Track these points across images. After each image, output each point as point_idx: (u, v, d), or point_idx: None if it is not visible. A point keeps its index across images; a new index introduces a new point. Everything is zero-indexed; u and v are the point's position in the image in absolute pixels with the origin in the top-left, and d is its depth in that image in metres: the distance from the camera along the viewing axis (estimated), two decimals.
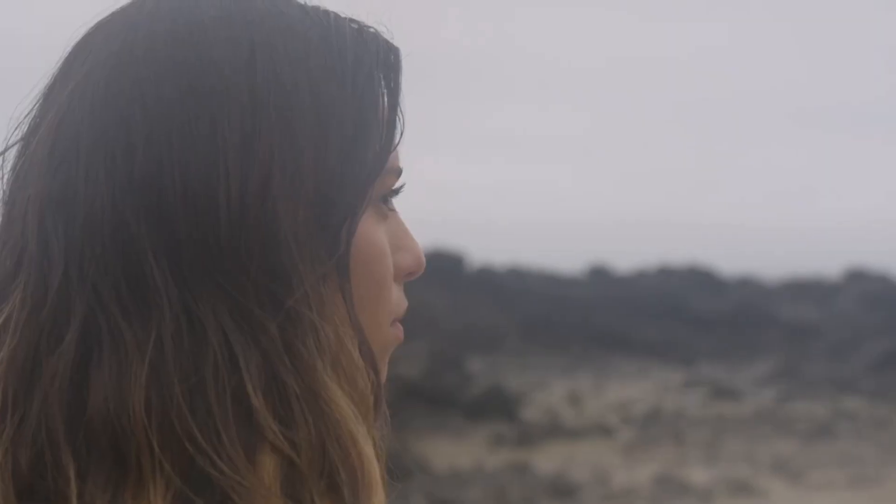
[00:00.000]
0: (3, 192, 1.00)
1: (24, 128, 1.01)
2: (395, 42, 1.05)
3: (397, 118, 1.02)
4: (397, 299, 1.06)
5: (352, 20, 1.03)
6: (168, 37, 0.97)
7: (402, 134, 1.03)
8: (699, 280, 34.16)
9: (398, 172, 1.04)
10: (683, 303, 29.96)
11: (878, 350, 23.13)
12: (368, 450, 0.95)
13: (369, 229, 1.01)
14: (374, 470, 0.95)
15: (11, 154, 1.01)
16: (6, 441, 0.92)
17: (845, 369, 22.68)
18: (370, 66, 1.01)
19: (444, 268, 26.61)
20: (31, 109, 1.01)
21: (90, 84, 0.97)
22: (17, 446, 0.92)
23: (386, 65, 1.03)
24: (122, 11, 1.01)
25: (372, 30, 1.04)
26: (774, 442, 16.51)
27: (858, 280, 34.08)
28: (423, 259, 1.07)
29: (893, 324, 25.58)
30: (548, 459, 14.98)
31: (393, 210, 1.05)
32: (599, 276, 34.81)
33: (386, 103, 1.02)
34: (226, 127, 0.95)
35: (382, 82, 1.02)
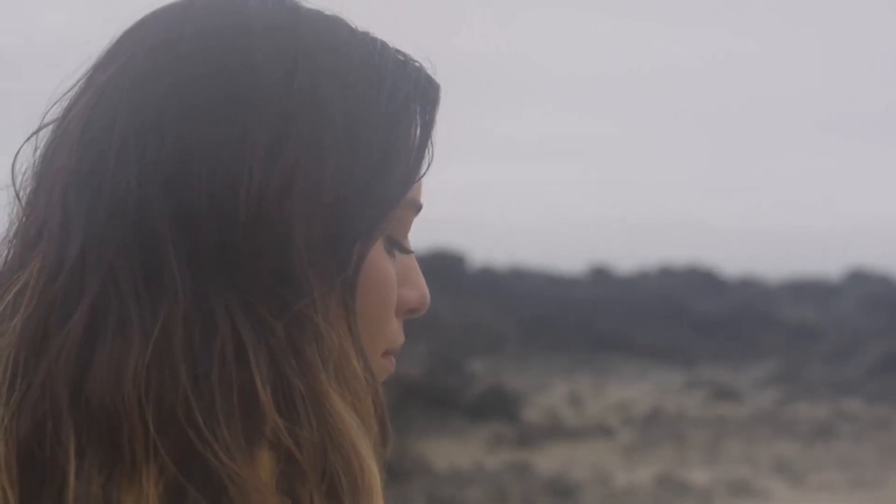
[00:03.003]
0: (35, 164, 1.03)
1: (62, 105, 1.03)
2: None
3: (427, 151, 1.04)
4: (395, 332, 1.07)
5: (398, 51, 1.05)
6: (214, 36, 0.99)
7: (429, 166, 1.04)
8: (700, 281, 34.16)
9: (418, 208, 1.06)
10: (684, 304, 29.96)
11: (879, 352, 23.11)
12: (371, 462, 0.96)
13: (380, 256, 1.03)
14: (376, 481, 0.96)
15: (47, 132, 1.04)
16: (13, 405, 0.94)
17: (846, 371, 22.67)
18: (407, 95, 1.03)
19: (444, 268, 26.60)
20: (71, 88, 1.04)
21: (131, 70, 0.99)
22: (22, 412, 0.94)
23: (424, 97, 1.04)
24: (173, 6, 1.03)
25: (417, 64, 1.05)
26: (775, 443, 16.51)
27: (860, 281, 34.08)
28: (428, 299, 1.08)
29: (895, 325, 25.57)
30: (548, 460, 14.98)
31: (410, 253, 1.07)
32: (600, 276, 34.82)
33: (418, 134, 1.03)
34: (256, 131, 0.96)
35: (418, 113, 1.04)
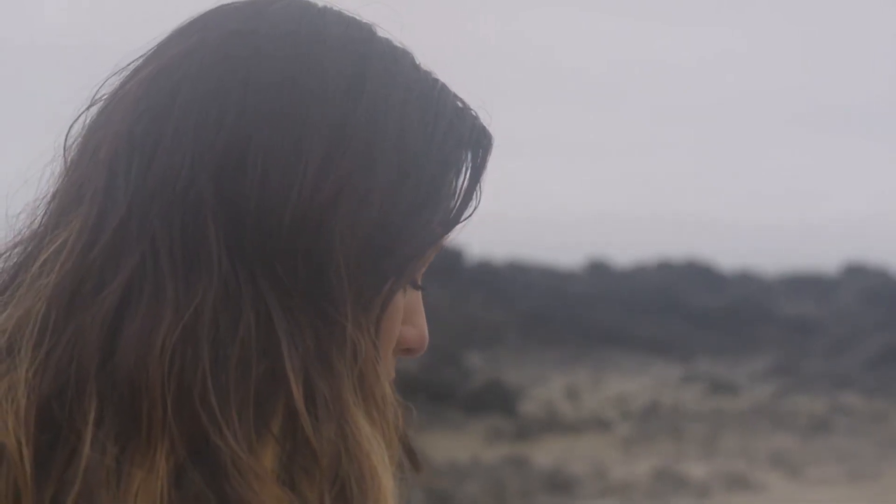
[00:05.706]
0: (83, 129, 1.04)
1: (122, 77, 1.04)
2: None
3: (474, 195, 1.05)
4: (389, 367, 1.07)
5: (458, 97, 1.07)
6: (288, 40, 1.01)
7: (473, 211, 1.05)
8: (698, 275, 34.14)
9: (440, 249, 1.07)
10: (682, 298, 29.95)
11: (876, 345, 23.12)
12: (386, 478, 0.98)
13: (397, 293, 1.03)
14: (388, 498, 0.98)
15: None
16: (39, 361, 0.95)
17: (843, 365, 22.68)
18: (460, 137, 1.04)
19: (442, 262, 26.57)
20: (130, 63, 1.05)
21: (199, 54, 1.00)
22: (47, 370, 0.95)
23: (476, 143, 1.06)
24: (253, 2, 1.04)
25: (473, 112, 1.07)
26: (772, 437, 16.53)
27: (857, 275, 34.04)
28: (427, 342, 1.09)
29: (892, 319, 25.57)
30: (546, 453, 14.99)
31: (420, 289, 1.08)
32: (598, 270, 34.80)
33: (467, 177, 1.05)
34: (313, 139, 0.98)
35: (469, 156, 1.05)
